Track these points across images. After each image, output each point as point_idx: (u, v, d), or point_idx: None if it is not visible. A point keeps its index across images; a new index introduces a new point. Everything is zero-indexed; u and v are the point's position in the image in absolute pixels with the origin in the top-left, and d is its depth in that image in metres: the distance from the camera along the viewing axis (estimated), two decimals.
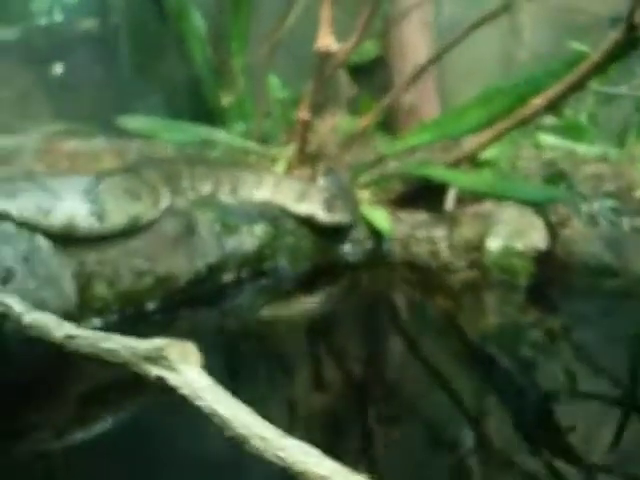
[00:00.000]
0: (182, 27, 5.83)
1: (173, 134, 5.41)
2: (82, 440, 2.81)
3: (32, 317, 1.81)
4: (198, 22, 5.88)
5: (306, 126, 4.82)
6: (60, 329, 1.77)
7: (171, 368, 1.67)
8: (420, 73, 5.10)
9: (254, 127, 5.38)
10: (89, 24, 6.42)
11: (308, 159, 5.03)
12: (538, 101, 4.30)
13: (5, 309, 1.85)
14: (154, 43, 5.91)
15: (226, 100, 5.20)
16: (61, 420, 2.93)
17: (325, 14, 4.54)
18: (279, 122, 5.42)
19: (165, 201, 3.94)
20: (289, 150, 5.06)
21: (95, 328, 3.47)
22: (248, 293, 4.25)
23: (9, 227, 3.51)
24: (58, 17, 6.26)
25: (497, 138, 4.61)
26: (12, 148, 5.35)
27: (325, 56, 4.60)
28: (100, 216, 3.62)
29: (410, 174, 4.86)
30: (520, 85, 4.66)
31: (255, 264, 4.25)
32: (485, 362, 3.58)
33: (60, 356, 2.47)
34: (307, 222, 4.44)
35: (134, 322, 3.91)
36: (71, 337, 1.74)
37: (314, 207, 4.36)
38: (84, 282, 3.67)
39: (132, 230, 3.77)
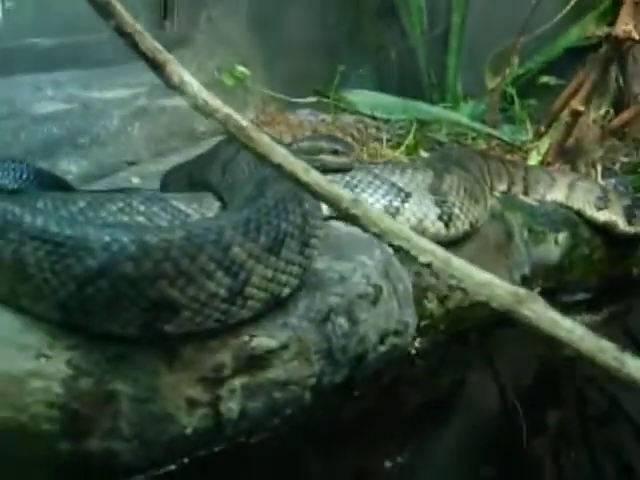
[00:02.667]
0: None
1: (393, 111, 4.55)
2: None
3: None
4: None
5: (576, 117, 4.00)
6: None
7: None
8: None
9: (488, 110, 4.51)
10: None
11: (566, 153, 4.19)
12: None
13: None
14: (367, 10, 5.04)
15: (492, 83, 4.33)
16: None
17: None
18: (521, 108, 4.57)
19: (489, 202, 3.13)
20: (544, 141, 4.21)
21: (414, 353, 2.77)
22: None
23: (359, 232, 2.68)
24: None
25: None
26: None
27: (621, 42, 3.75)
28: (447, 221, 2.82)
29: None
30: None
31: (556, 277, 3.45)
32: None
33: None
34: (602, 231, 3.60)
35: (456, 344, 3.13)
36: None
37: (615, 215, 3.57)
38: (419, 297, 2.87)
39: (467, 236, 2.96)
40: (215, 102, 1.59)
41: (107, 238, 1.99)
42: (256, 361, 2.19)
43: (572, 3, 4.47)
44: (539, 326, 1.35)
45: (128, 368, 2.09)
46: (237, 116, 1.59)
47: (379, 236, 1.47)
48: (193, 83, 1.64)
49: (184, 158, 3.30)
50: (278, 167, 1.54)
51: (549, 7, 4.75)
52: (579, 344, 1.31)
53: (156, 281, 1.99)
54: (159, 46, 1.66)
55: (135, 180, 3.65)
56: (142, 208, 2.43)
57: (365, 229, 1.50)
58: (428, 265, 1.42)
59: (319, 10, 4.97)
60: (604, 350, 1.29)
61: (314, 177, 1.52)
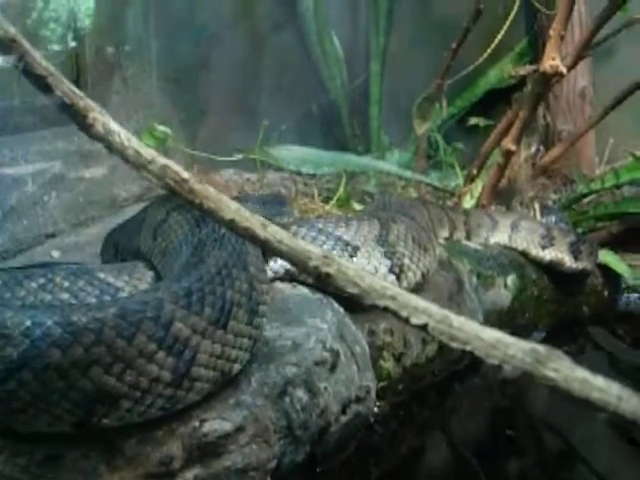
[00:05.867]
0: (321, 49, 4.77)
1: (320, 165, 4.33)
2: None
3: None
4: (336, 44, 4.82)
5: (509, 157, 3.82)
6: None
7: None
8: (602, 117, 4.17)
9: (415, 157, 4.32)
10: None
11: (500, 194, 4.01)
12: None
13: None
14: (289, 65, 4.82)
15: (421, 129, 4.13)
16: None
17: (555, 31, 3.55)
18: (449, 153, 4.39)
19: (437, 250, 2.89)
20: (477, 184, 4.02)
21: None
22: None
23: (307, 292, 2.42)
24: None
25: None
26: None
27: (550, 77, 3.59)
28: (399, 273, 2.56)
29: (627, 212, 3.89)
30: None
31: (509, 321, 3.23)
32: None
33: None
34: (549, 270, 3.41)
35: (416, 404, 2.87)
36: None
37: (561, 253, 3.38)
38: (374, 358, 2.60)
39: (418, 287, 2.71)
40: (148, 152, 1.29)
41: (28, 322, 1.66)
42: (209, 448, 1.87)
43: (493, 46, 4.33)
44: (567, 388, 1.07)
45: (62, 471, 1.76)
46: (176, 167, 1.29)
47: (359, 297, 1.18)
48: (120, 132, 1.34)
49: (106, 228, 2.98)
50: (230, 224, 1.24)
51: (465, 51, 4.61)
52: (617, 405, 1.04)
53: (88, 369, 1.67)
54: (78, 91, 1.36)
55: (55, 254, 3.31)
56: (66, 284, 2.09)
57: (341, 291, 1.21)
58: (423, 327, 1.13)
59: (237, 67, 4.72)
60: None
61: (274, 232, 1.23)
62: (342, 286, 1.19)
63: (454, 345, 1.15)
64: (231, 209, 1.23)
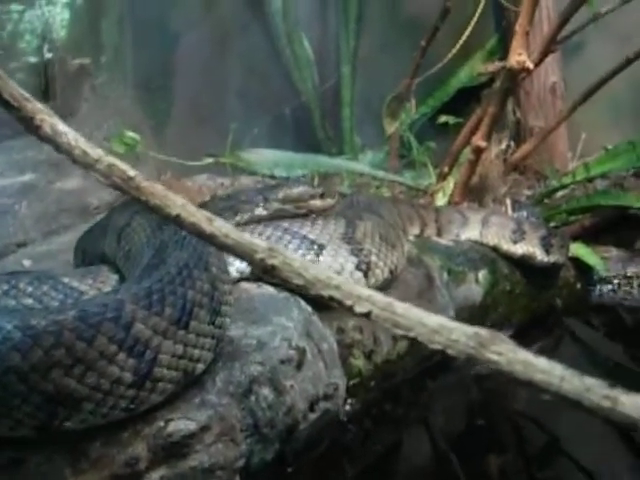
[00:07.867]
0: (291, 51, 4.79)
1: (292, 167, 4.34)
2: None
3: None
4: (306, 46, 4.85)
5: (479, 154, 3.85)
6: None
7: None
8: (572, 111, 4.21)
9: (388, 157, 4.35)
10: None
11: (472, 191, 4.04)
12: None
13: None
14: (259, 69, 4.84)
15: (391, 127, 4.15)
16: None
17: (521, 27, 3.59)
18: (421, 152, 4.42)
19: (406, 247, 2.92)
20: (449, 182, 4.05)
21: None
22: None
23: (272, 292, 2.44)
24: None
25: None
26: None
27: (517, 73, 3.63)
28: (366, 270, 2.58)
29: (600, 205, 3.93)
30: None
31: (481, 316, 3.25)
32: None
33: None
34: (521, 264, 3.43)
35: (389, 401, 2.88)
36: None
37: (532, 247, 3.41)
38: (344, 355, 2.61)
39: (387, 284, 2.74)
40: (95, 151, 1.30)
41: None
42: (175, 449, 1.88)
43: (461, 42, 4.36)
44: (510, 371, 1.09)
45: (27, 475, 1.77)
46: (123, 165, 1.30)
47: (305, 288, 1.20)
48: (68, 132, 1.35)
49: (78, 236, 2.98)
50: (176, 219, 1.26)
51: (436, 50, 4.64)
52: (560, 386, 1.06)
53: (49, 372, 1.67)
54: (26, 94, 1.37)
55: (26, 262, 3.31)
56: (29, 289, 2.10)
57: (287, 282, 1.22)
58: (367, 315, 1.15)
59: (207, 72, 4.74)
60: (591, 389, 1.04)
61: (220, 226, 1.25)
62: (287, 277, 1.21)
63: (398, 332, 1.16)
64: (177, 205, 1.25)
